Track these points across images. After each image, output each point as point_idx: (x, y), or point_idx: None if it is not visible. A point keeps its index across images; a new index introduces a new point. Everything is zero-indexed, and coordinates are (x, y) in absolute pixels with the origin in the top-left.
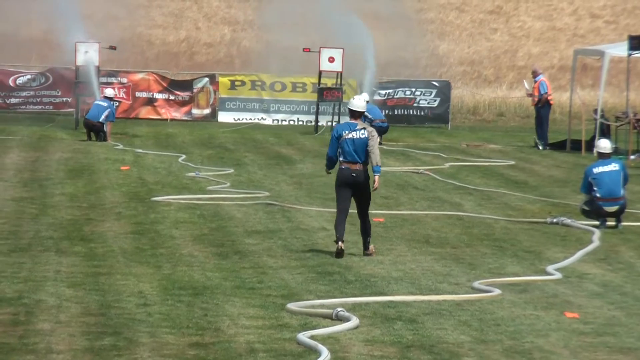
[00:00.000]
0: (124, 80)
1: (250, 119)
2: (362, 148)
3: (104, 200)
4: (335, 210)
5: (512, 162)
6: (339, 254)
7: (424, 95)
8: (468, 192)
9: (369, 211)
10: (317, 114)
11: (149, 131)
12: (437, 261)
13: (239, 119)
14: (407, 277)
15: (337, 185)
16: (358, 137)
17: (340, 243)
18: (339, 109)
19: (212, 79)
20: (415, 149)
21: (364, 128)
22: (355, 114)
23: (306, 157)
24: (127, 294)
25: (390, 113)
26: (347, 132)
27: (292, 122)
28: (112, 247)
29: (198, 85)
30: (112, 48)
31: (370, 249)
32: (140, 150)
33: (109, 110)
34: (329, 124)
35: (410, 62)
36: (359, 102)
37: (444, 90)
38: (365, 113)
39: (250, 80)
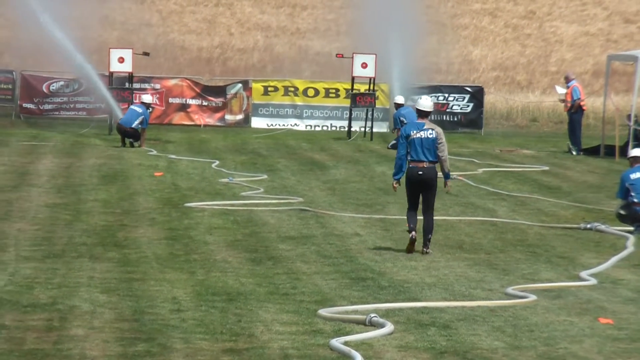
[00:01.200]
0: (157, 86)
1: (283, 124)
2: (430, 147)
3: (138, 206)
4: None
5: (546, 168)
6: (412, 243)
7: (457, 100)
8: (501, 198)
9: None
10: (350, 119)
11: (182, 137)
12: (470, 267)
13: (272, 124)
14: (440, 283)
15: (406, 183)
16: (426, 136)
17: (413, 232)
18: (372, 114)
19: (245, 84)
20: (448, 154)
21: (432, 128)
22: (422, 114)
23: (339, 162)
24: (160, 299)
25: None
26: (415, 131)
27: (325, 128)
28: (145, 253)
29: (231, 91)
30: (146, 54)
31: (428, 248)
32: (173, 156)
33: (142, 117)
34: (362, 129)
35: (443, 68)
36: (426, 102)
37: (477, 96)
38: (401, 118)
39: (283, 86)
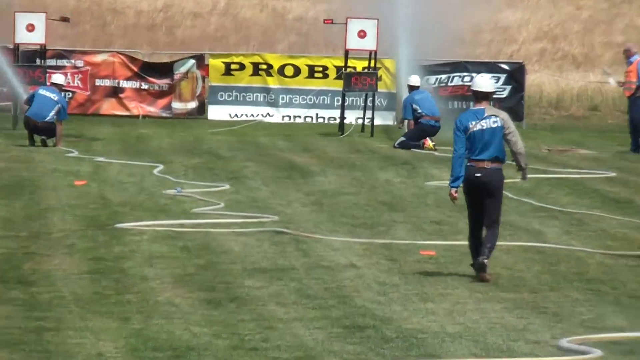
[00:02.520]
0: (80, 63)
1: (252, 115)
2: (494, 141)
3: (51, 227)
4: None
5: (612, 174)
6: (481, 267)
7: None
8: (551, 215)
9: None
10: (342, 108)
11: (114, 133)
12: (509, 311)
13: (236, 115)
14: (468, 333)
15: (464, 188)
16: (489, 126)
17: (480, 257)
18: (373, 101)
19: (200, 60)
20: None
21: (495, 114)
22: (480, 96)
23: (328, 167)
24: (82, 356)
25: (443, 107)
26: (473, 122)
27: (308, 120)
28: (61, 292)
29: (180, 70)
30: (65, 20)
31: (486, 266)
32: (101, 159)
33: (59, 105)
34: (360, 121)
35: (469, 38)
36: (484, 81)
37: (516, 76)
38: (414, 106)
39: (251, 63)
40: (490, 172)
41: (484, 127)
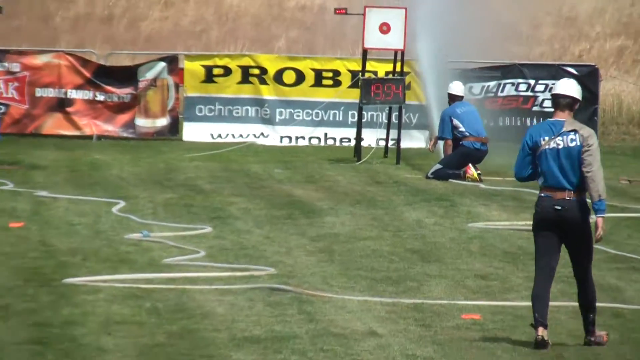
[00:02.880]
0: (15, 67)
1: (241, 135)
2: (574, 163)
3: None
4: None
5: None
6: (540, 344)
7: (550, 91)
8: (631, 267)
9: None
10: (359, 125)
11: (60, 158)
12: None
13: (219, 135)
14: None
15: (534, 226)
16: (565, 145)
17: (540, 329)
18: (400, 116)
19: (172, 63)
20: (535, 187)
21: (575, 130)
22: (562, 104)
23: (340, 204)
24: None
25: (492, 124)
26: (546, 138)
27: (314, 142)
28: None
29: (147, 76)
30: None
31: (597, 335)
32: (44, 194)
33: None
34: (382, 143)
35: (525, 33)
36: (569, 85)
37: (587, 83)
38: (455, 122)
39: (239, 66)
40: (572, 204)
41: (560, 146)
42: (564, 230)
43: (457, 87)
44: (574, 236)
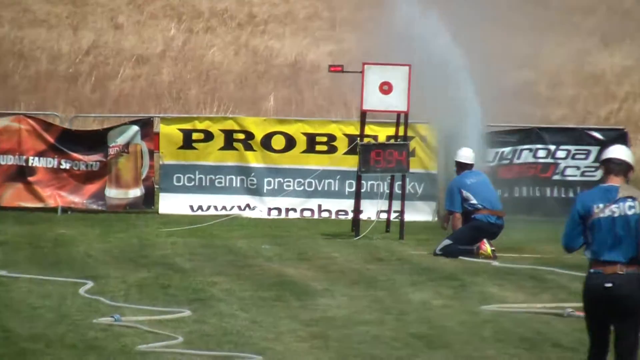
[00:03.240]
0: None
1: (224, 207)
2: (630, 234)
3: None
4: None
5: None
6: None
7: (573, 158)
8: None
9: None
10: (358, 196)
11: (21, 233)
12: None
13: (200, 207)
14: None
15: (584, 305)
16: (622, 213)
17: None
18: (403, 187)
19: (146, 127)
20: (556, 265)
21: (633, 197)
22: (615, 169)
23: (336, 284)
24: None
25: (507, 196)
26: (600, 205)
27: (307, 214)
28: None
29: (117, 141)
30: None
31: None
32: (3, 273)
33: None
34: (383, 216)
35: (542, 95)
36: (621, 151)
37: None
38: (465, 193)
39: (222, 130)
40: (623, 280)
41: (615, 214)
42: (610, 308)
43: (466, 154)
44: (624, 313)
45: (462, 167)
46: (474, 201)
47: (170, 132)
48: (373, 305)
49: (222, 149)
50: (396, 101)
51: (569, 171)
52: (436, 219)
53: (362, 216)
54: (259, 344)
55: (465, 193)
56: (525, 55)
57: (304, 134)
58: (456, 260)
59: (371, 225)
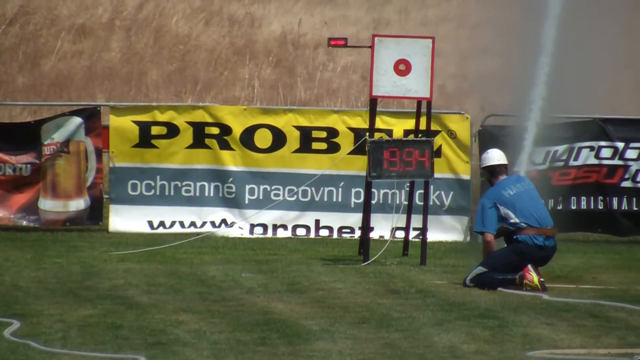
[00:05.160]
0: None
1: (193, 224)
2: None
3: None
4: None
5: None
6: None
7: None
8: None
9: None
10: (367, 209)
11: None
12: None
13: (162, 224)
14: None
15: None
16: None
17: None
18: (426, 197)
19: (92, 118)
20: (624, 299)
21: None
22: None
23: (338, 324)
24: None
25: (560, 207)
26: None
27: (301, 232)
28: None
29: (54, 137)
30: None
31: None
32: None
33: None
34: (400, 235)
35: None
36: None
37: None
38: (503, 210)
39: (190, 123)
40: None
41: None
42: None
43: (495, 156)
44: None
45: (494, 173)
46: (515, 219)
47: (122, 125)
48: (385, 350)
49: (190, 147)
50: (415, 85)
51: None
52: (468, 238)
53: (373, 235)
54: None
55: (503, 210)
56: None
57: (297, 127)
58: (493, 292)
59: (384, 246)
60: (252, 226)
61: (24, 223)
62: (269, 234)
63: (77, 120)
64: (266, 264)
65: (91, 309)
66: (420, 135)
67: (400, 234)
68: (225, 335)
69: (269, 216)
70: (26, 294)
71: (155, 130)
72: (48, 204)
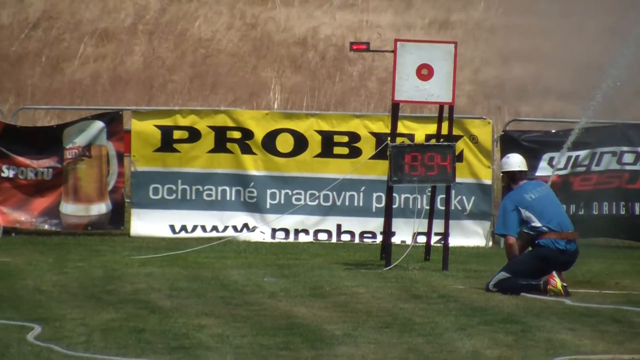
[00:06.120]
0: None
1: (215, 228)
2: None
3: None
4: None
5: None
6: None
7: None
8: None
9: None
10: (388, 213)
11: None
12: None
13: (183, 228)
14: None
15: None
16: None
17: None
18: (448, 202)
19: (114, 123)
20: None
21: None
22: None
23: (361, 328)
24: None
25: (582, 212)
26: None
27: (322, 237)
28: None
29: (76, 141)
30: None
31: None
32: None
33: None
34: (421, 239)
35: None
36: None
37: None
38: (525, 213)
39: (212, 127)
40: None
41: None
42: None
43: (516, 161)
44: None
45: (514, 178)
46: (537, 223)
47: (144, 129)
48: (408, 355)
49: (212, 151)
50: (438, 89)
51: None
52: (490, 243)
53: (394, 240)
54: None
55: (525, 213)
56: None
57: (319, 132)
58: (516, 298)
59: (406, 251)
60: (274, 231)
61: (46, 227)
62: (291, 238)
63: (99, 125)
64: (288, 268)
65: (114, 313)
66: (442, 140)
67: (422, 239)
68: (248, 340)
69: (291, 221)
70: (49, 297)
71: (177, 134)
72: (70, 208)
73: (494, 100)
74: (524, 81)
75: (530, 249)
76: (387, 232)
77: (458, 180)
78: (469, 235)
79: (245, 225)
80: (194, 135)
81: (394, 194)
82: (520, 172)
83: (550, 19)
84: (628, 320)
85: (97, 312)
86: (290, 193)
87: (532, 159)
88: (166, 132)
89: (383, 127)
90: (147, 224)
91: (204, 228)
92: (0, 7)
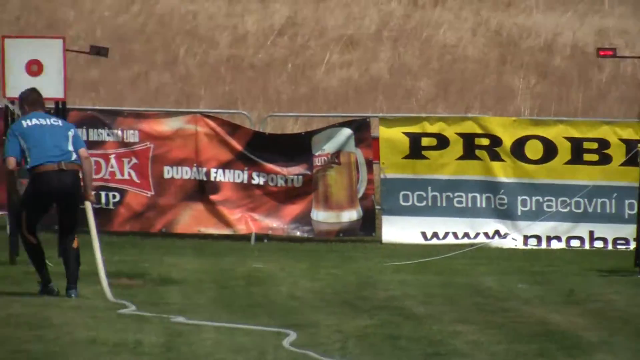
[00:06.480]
0: (132, 135)
1: (466, 235)
2: None
3: None
4: None
5: None
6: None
7: None
8: None
9: None
10: None
11: (203, 268)
12: None
13: (435, 235)
14: None
15: None
16: None
17: None
18: None
19: (362, 129)
20: None
21: None
22: None
23: (617, 335)
24: None
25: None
26: None
27: (575, 244)
28: None
29: (325, 148)
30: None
31: None
32: (181, 320)
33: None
34: None
35: None
36: None
37: None
38: None
39: (460, 134)
40: None
41: None
42: None
43: None
44: None
45: None
46: None
47: (392, 136)
48: None
49: (461, 158)
50: None
51: None
52: None
53: None
54: None
55: None
56: None
57: (568, 139)
58: None
59: None
60: (526, 237)
61: (298, 234)
62: (543, 245)
63: (347, 132)
64: (541, 275)
65: (368, 320)
66: None
67: None
68: (503, 347)
69: (542, 227)
70: (303, 304)
71: (425, 141)
72: (321, 215)
73: None
74: None
75: None
76: None
77: None
78: None
79: (497, 232)
80: (442, 142)
81: None
82: None
83: None
84: None
85: (352, 319)
86: (541, 200)
87: None
88: (414, 139)
89: (632, 134)
90: (398, 230)
91: (455, 235)
92: (246, 14)
